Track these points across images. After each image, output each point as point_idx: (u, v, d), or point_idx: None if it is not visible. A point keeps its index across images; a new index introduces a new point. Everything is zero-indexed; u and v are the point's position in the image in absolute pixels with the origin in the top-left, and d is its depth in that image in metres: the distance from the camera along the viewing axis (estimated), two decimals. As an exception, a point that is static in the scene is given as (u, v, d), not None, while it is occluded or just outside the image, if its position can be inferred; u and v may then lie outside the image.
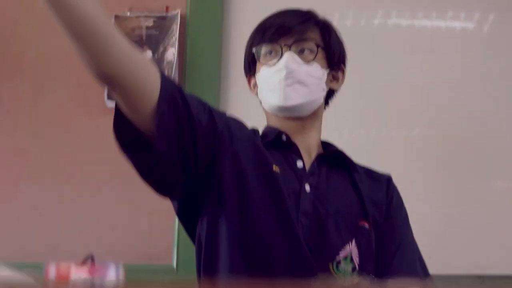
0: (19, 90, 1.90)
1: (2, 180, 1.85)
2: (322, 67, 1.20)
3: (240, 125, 1.20)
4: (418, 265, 1.21)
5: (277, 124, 1.23)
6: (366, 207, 1.18)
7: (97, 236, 1.80)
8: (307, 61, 1.18)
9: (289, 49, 1.17)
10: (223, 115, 1.19)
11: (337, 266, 1.10)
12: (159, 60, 1.87)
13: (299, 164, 1.19)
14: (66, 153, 1.86)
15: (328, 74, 1.23)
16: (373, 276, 1.15)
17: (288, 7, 1.72)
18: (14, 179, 1.86)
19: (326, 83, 1.23)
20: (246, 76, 1.29)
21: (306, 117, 1.22)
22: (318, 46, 1.19)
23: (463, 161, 1.77)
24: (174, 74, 1.83)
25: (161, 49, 1.89)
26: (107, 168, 1.83)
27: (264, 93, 1.22)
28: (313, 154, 1.22)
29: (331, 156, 1.23)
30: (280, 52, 1.17)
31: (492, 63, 1.87)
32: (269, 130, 1.24)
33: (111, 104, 1.85)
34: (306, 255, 1.08)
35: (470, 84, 1.85)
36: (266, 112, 1.26)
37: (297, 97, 1.17)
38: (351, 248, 1.12)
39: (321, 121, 1.26)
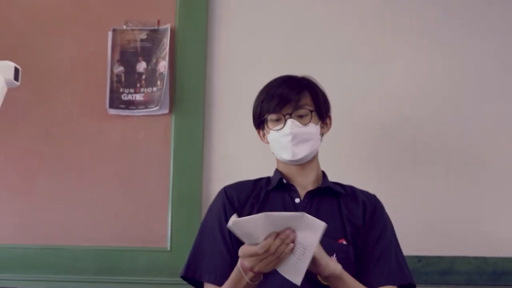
0: (34, 98, 2.26)
1: (22, 176, 2.24)
2: (316, 124, 1.66)
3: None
4: (396, 269, 1.61)
5: (284, 168, 1.71)
6: (345, 227, 1.62)
7: (104, 223, 2.18)
8: (305, 124, 1.63)
9: (290, 117, 1.62)
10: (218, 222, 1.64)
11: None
12: (152, 71, 2.24)
13: (297, 200, 1.66)
14: (75, 152, 2.23)
15: (321, 125, 1.68)
16: None
17: (269, 22, 2.11)
18: (32, 175, 2.24)
19: (320, 132, 1.69)
20: (256, 129, 1.74)
21: (306, 163, 1.68)
22: (311, 111, 1.64)
23: (406, 160, 2.17)
24: (165, 85, 2.21)
25: (154, 60, 2.25)
26: (110, 166, 2.21)
27: (277, 150, 1.67)
28: (310, 188, 1.68)
29: (318, 190, 1.67)
30: (284, 120, 1.62)
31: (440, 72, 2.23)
32: (273, 177, 1.71)
33: (112, 111, 2.25)
34: None
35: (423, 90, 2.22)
36: (276, 159, 1.72)
37: (302, 152, 1.64)
38: (333, 260, 1.54)
39: (317, 160, 1.72)
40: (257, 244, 1.35)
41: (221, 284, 1.57)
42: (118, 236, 2.19)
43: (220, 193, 1.73)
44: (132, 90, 2.24)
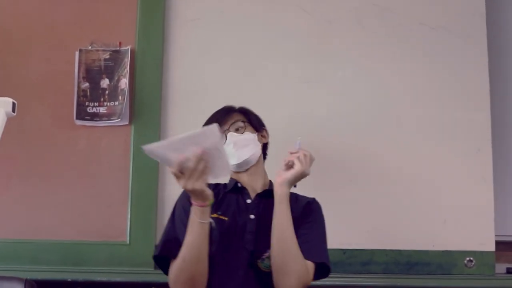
0: (7, 110, 2.67)
1: (-3, 180, 2.64)
2: (252, 132, 2.02)
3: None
4: (314, 248, 1.89)
5: (236, 177, 2.03)
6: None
7: (70, 220, 2.54)
8: (241, 133, 2.00)
9: (228, 131, 1.99)
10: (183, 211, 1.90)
11: (262, 262, 1.85)
12: (114, 87, 2.64)
13: (248, 200, 1.97)
14: (45, 158, 2.58)
15: (258, 135, 2.04)
16: None
17: (218, 47, 2.49)
18: (6, 177, 2.61)
19: (259, 140, 2.03)
20: None
21: (252, 167, 2.01)
22: (243, 121, 2.02)
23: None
24: (126, 99, 2.61)
25: (116, 77, 2.64)
26: (76, 170, 2.58)
27: (230, 161, 1.91)
28: (259, 191, 2.00)
29: (266, 192, 1.99)
30: (225, 136, 1.98)
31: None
32: (230, 182, 2.03)
33: (78, 122, 2.64)
34: (244, 251, 1.86)
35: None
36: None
37: (244, 155, 1.98)
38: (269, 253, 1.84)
39: (263, 168, 2.07)
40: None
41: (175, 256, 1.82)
42: (83, 232, 2.56)
43: (184, 192, 1.93)
44: (96, 104, 2.63)
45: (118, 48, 2.67)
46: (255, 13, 2.71)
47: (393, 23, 2.71)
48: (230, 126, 2.02)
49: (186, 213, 1.84)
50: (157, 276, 2.40)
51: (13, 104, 1.55)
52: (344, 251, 2.54)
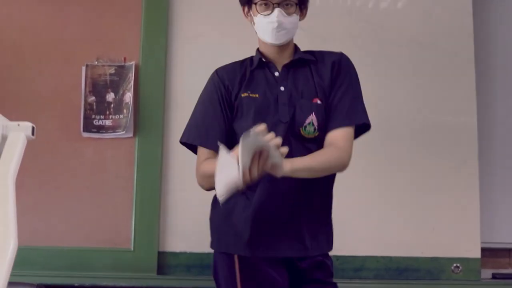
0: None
1: (7, 188, 2.81)
2: (297, 14, 1.90)
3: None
4: (348, 112, 1.90)
5: (264, 48, 1.96)
6: (316, 89, 1.91)
7: (77, 227, 2.70)
8: (289, 14, 1.87)
9: (278, 6, 1.86)
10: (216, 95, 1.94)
11: (304, 129, 1.86)
12: (120, 101, 2.81)
13: (276, 74, 1.94)
14: (54, 168, 2.74)
15: (300, 16, 1.93)
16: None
17: (219, 63, 2.63)
18: (18, 188, 2.79)
19: (298, 22, 1.93)
20: (242, 5, 1.95)
21: (284, 45, 1.94)
22: (296, 4, 1.89)
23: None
24: (130, 112, 2.78)
25: (121, 91, 2.81)
26: (83, 180, 2.74)
27: (261, 33, 1.92)
28: (286, 62, 1.95)
29: (292, 63, 1.95)
30: (272, 7, 1.86)
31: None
32: (255, 57, 1.97)
33: (85, 135, 2.81)
34: (282, 124, 1.86)
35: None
36: (260, 40, 1.96)
37: (283, 38, 1.90)
38: (312, 117, 1.87)
39: (292, 40, 1.97)
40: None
41: (215, 149, 1.81)
42: (90, 239, 2.72)
43: (213, 75, 2.01)
44: (102, 117, 2.80)
45: (123, 64, 2.83)
46: (253, 31, 2.87)
47: (385, 41, 2.86)
48: (282, 0, 1.89)
49: (219, 102, 1.93)
50: (160, 281, 2.57)
51: (33, 128, 1.69)
52: (337, 257, 2.69)
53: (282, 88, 1.94)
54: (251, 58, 2.02)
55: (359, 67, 2.78)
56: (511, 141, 3.04)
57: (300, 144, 1.89)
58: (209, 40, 2.87)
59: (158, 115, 2.80)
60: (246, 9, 1.98)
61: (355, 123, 1.92)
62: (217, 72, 2.02)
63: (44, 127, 2.76)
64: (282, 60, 1.98)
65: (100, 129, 2.79)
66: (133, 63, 2.83)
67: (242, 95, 1.93)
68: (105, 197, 2.77)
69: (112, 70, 2.84)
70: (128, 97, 2.79)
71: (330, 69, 1.95)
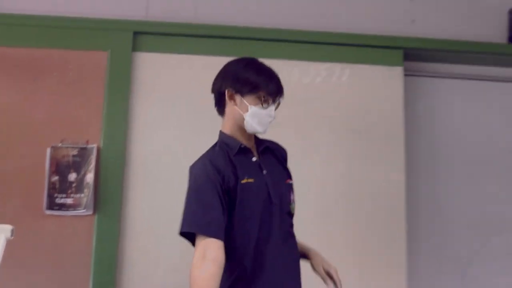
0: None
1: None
2: None
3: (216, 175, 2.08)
4: None
5: (239, 133, 2.17)
6: (286, 169, 2.26)
7: None
8: (275, 110, 2.15)
9: (274, 103, 2.14)
10: (213, 185, 2.06)
11: (290, 205, 2.18)
12: (81, 180, 3.06)
13: (254, 159, 2.17)
14: (17, 243, 2.96)
15: None
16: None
17: (175, 144, 2.91)
18: None
19: None
20: (230, 89, 2.14)
21: None
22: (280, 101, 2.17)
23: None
24: (91, 191, 3.04)
25: (82, 172, 3.07)
26: (45, 255, 2.94)
27: (255, 121, 2.11)
28: (255, 150, 2.20)
29: (264, 149, 2.22)
30: (270, 102, 2.12)
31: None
32: (232, 143, 2.15)
33: (48, 212, 3.03)
34: (274, 205, 2.12)
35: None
36: (237, 123, 2.15)
37: (266, 129, 2.15)
38: (292, 196, 2.20)
39: None
40: None
41: (215, 236, 1.97)
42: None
43: (205, 164, 2.09)
44: (64, 195, 3.03)
45: (85, 146, 3.09)
46: (210, 115, 3.17)
47: (328, 129, 3.20)
48: (278, 98, 2.18)
49: (216, 189, 2.03)
50: None
51: (12, 230, 1.87)
52: None
53: (265, 172, 2.17)
54: (226, 143, 2.17)
55: (303, 156, 3.12)
56: (436, 220, 3.36)
57: (289, 220, 2.20)
58: (167, 126, 3.15)
59: (117, 194, 3.05)
60: (230, 93, 2.16)
61: None
62: (211, 161, 2.11)
63: (10, 205, 3.01)
64: (252, 146, 2.22)
65: (62, 207, 3.02)
66: (95, 145, 3.08)
67: (243, 181, 2.09)
68: (63, 273, 2.97)
69: (75, 152, 3.08)
70: (89, 177, 3.04)
71: (284, 154, 2.33)
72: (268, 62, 2.99)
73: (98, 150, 3.09)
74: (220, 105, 2.23)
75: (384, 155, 3.18)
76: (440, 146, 3.46)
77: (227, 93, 2.17)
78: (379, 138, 3.18)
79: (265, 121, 2.13)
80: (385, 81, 3.28)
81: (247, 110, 2.13)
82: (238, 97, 2.15)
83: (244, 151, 2.17)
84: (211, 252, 1.97)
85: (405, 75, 3.36)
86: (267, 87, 2.12)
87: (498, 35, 3.62)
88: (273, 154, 2.27)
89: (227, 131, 2.21)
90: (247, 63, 2.21)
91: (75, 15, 3.21)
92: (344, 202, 3.14)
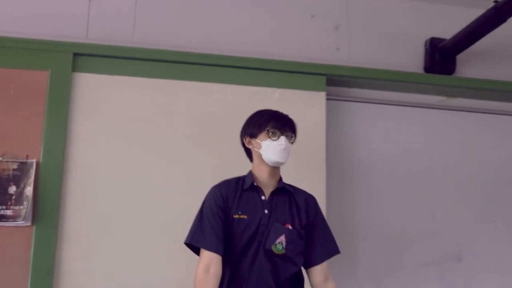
0: None
1: None
2: (293, 143, 2.61)
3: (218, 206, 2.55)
4: (332, 240, 2.66)
5: (258, 170, 2.61)
6: (292, 216, 2.57)
7: None
8: (290, 142, 2.59)
9: (283, 134, 2.56)
10: (218, 208, 2.54)
11: (275, 246, 2.48)
12: (21, 193, 3.24)
13: (263, 197, 2.57)
14: None
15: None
16: (296, 253, 2.54)
17: (112, 162, 3.14)
18: None
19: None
20: (246, 137, 2.65)
21: (278, 167, 2.61)
22: (294, 134, 2.63)
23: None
24: (29, 204, 3.23)
25: (22, 185, 3.24)
26: None
27: (269, 154, 2.54)
28: (271, 189, 2.60)
29: (277, 190, 2.59)
30: (280, 135, 2.56)
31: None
32: (247, 179, 2.59)
33: None
34: (259, 243, 2.50)
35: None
36: (258, 161, 2.60)
37: (285, 158, 2.56)
38: (282, 238, 2.50)
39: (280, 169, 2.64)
40: None
41: (217, 252, 2.46)
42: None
43: (214, 190, 2.59)
44: (4, 207, 3.20)
45: (25, 160, 3.27)
46: (145, 135, 3.44)
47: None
48: (287, 131, 2.60)
49: (218, 213, 2.51)
50: None
51: None
52: None
53: (266, 211, 2.56)
54: (244, 178, 2.61)
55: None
56: (353, 234, 3.69)
57: (269, 258, 2.51)
58: (103, 142, 3.38)
59: (54, 206, 3.24)
60: (247, 139, 2.64)
61: (335, 254, 2.70)
62: (220, 188, 2.60)
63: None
64: (270, 183, 2.61)
65: (2, 218, 3.19)
66: (34, 160, 3.27)
67: (234, 216, 2.53)
68: (2, 282, 3.12)
69: (15, 166, 3.27)
70: (29, 190, 3.24)
71: (304, 204, 2.64)
72: (198, 85, 3.32)
73: (37, 164, 3.27)
74: (248, 154, 2.70)
75: (307, 174, 3.46)
76: (359, 165, 3.77)
77: (245, 140, 2.66)
78: (302, 158, 3.45)
79: (277, 151, 2.54)
80: (309, 105, 3.59)
81: (261, 146, 2.57)
82: (253, 140, 2.61)
83: (255, 189, 2.60)
84: (213, 267, 2.47)
85: (328, 99, 3.68)
86: (272, 122, 2.57)
87: (415, 65, 3.99)
88: (288, 197, 2.64)
89: (253, 170, 2.65)
90: (255, 113, 2.67)
91: (18, 36, 3.40)
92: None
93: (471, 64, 4.04)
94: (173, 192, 3.38)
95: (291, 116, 3.35)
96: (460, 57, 3.97)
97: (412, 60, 3.98)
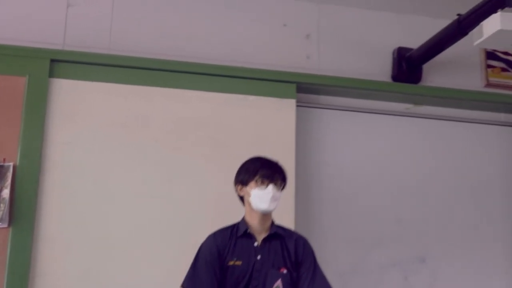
0: None
1: None
2: (282, 190, 2.72)
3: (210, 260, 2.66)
4: (321, 279, 2.72)
5: (250, 217, 2.71)
6: (284, 260, 2.68)
7: None
8: (278, 190, 2.68)
9: (271, 183, 2.65)
10: (213, 257, 2.66)
11: None
12: (-3, 196, 3.38)
13: (255, 244, 2.68)
14: None
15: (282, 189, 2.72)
16: None
17: (88, 166, 3.25)
18: None
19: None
20: (238, 184, 2.75)
21: (268, 214, 2.71)
22: (283, 182, 2.73)
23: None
24: (6, 206, 3.33)
25: (-2, 188, 3.40)
26: None
27: (258, 202, 2.65)
28: (264, 234, 2.70)
29: (269, 237, 2.70)
30: (268, 183, 2.65)
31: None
32: (241, 227, 2.70)
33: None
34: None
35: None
36: (249, 208, 2.71)
37: (272, 206, 2.66)
38: (279, 283, 2.62)
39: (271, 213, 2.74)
40: None
41: None
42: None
43: (209, 239, 2.70)
44: (-19, 210, 3.35)
45: (2, 164, 3.37)
46: (120, 140, 3.56)
47: (226, 155, 3.63)
48: (275, 180, 2.70)
49: (212, 263, 2.63)
50: None
51: None
52: None
53: (259, 257, 2.68)
54: (238, 225, 2.73)
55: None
56: (321, 236, 3.85)
57: None
58: (79, 146, 3.49)
59: (31, 209, 3.34)
60: (239, 187, 2.75)
61: None
62: (215, 237, 2.72)
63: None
64: (262, 228, 2.73)
65: (-21, 220, 3.32)
66: (11, 163, 3.37)
67: (229, 263, 2.65)
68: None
69: (-8, 169, 3.39)
70: (5, 193, 3.34)
71: (294, 245, 2.74)
72: (173, 91, 3.45)
73: (14, 168, 3.37)
74: (241, 200, 2.80)
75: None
76: (327, 170, 3.93)
77: (237, 188, 2.77)
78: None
79: (265, 199, 2.66)
80: (280, 111, 3.74)
81: (250, 195, 2.69)
82: (244, 188, 2.73)
83: (248, 236, 2.71)
84: None
85: (298, 106, 3.83)
86: (261, 171, 2.69)
87: (383, 73, 4.16)
88: (280, 242, 2.75)
89: (245, 216, 2.76)
90: (246, 162, 2.79)
91: (-4, 42, 3.49)
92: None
93: (437, 73, 4.22)
94: (147, 195, 3.51)
95: (261, 122, 3.55)
96: (426, 66, 4.15)
97: (380, 69, 4.15)
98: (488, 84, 4.27)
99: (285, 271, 2.70)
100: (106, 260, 3.38)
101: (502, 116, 4.33)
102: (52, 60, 3.52)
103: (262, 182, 2.68)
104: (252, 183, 2.70)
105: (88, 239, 3.37)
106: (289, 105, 3.77)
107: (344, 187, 3.93)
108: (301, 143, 3.82)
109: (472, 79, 4.26)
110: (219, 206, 3.34)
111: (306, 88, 3.91)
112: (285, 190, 2.79)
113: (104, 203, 3.44)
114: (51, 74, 3.52)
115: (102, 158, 3.49)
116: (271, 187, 2.68)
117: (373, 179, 3.99)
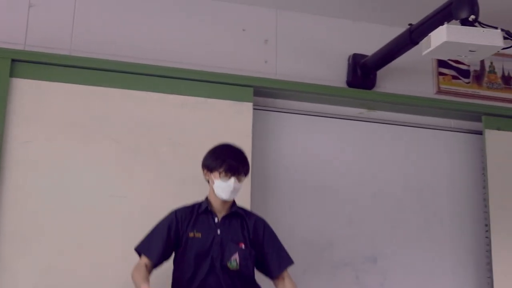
0: None
1: None
2: (242, 181, 2.95)
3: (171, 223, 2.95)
4: (285, 254, 3.07)
5: (215, 199, 2.96)
6: (243, 236, 2.94)
7: None
8: (240, 181, 2.92)
9: (233, 176, 2.87)
10: (166, 227, 2.95)
11: (230, 263, 2.87)
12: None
13: (216, 220, 2.94)
14: None
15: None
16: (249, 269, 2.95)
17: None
18: None
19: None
20: (204, 169, 3.00)
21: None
22: (245, 174, 2.97)
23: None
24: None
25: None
26: None
27: (220, 191, 2.90)
28: (223, 214, 2.95)
29: (228, 215, 2.95)
30: (229, 176, 2.88)
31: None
32: (203, 204, 2.98)
33: None
34: (214, 260, 2.86)
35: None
36: (212, 192, 2.96)
37: (233, 196, 2.94)
38: (236, 256, 2.87)
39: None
40: None
41: (153, 260, 2.88)
42: None
43: (172, 212, 2.96)
44: None
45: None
46: (80, 139, 3.66)
47: (183, 158, 3.76)
48: (238, 172, 2.94)
49: (168, 229, 2.92)
50: None
51: None
52: None
53: (218, 232, 2.93)
54: (200, 204, 2.98)
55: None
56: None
57: (226, 273, 2.87)
58: (39, 144, 3.59)
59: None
60: (205, 171, 2.99)
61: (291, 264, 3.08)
62: (177, 211, 2.98)
63: None
64: (223, 208, 2.97)
65: None
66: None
67: (190, 235, 2.89)
68: None
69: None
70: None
71: (253, 225, 3.01)
72: (132, 93, 3.57)
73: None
74: (206, 179, 3.01)
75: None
76: (283, 172, 4.08)
77: (203, 171, 3.01)
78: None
79: (226, 191, 2.90)
80: (237, 114, 3.88)
81: (214, 183, 2.92)
82: (209, 173, 2.96)
83: (209, 212, 2.97)
84: (139, 262, 2.91)
85: (255, 109, 3.98)
86: (224, 167, 2.89)
87: (338, 79, 4.33)
88: (240, 220, 3.00)
89: (209, 196, 3.01)
90: (214, 149, 3.00)
91: (-44, 41, 3.54)
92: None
93: (390, 80, 4.40)
94: (104, 193, 3.62)
95: (219, 124, 3.69)
96: (380, 73, 4.32)
97: (335, 74, 4.32)
98: (439, 91, 4.47)
99: (243, 246, 2.94)
100: (66, 256, 3.47)
101: (452, 122, 4.51)
102: (13, 60, 3.60)
103: (226, 175, 2.89)
104: (216, 173, 2.92)
105: (48, 236, 3.46)
106: (246, 108, 3.91)
107: (299, 190, 4.07)
108: (258, 146, 3.96)
109: (424, 86, 4.45)
110: (177, 205, 3.45)
111: (263, 92, 4.05)
112: (242, 188, 3.03)
113: (62, 199, 3.53)
114: (12, 74, 3.59)
115: (61, 158, 3.59)
116: (233, 179, 2.89)
117: (326, 181, 4.14)
